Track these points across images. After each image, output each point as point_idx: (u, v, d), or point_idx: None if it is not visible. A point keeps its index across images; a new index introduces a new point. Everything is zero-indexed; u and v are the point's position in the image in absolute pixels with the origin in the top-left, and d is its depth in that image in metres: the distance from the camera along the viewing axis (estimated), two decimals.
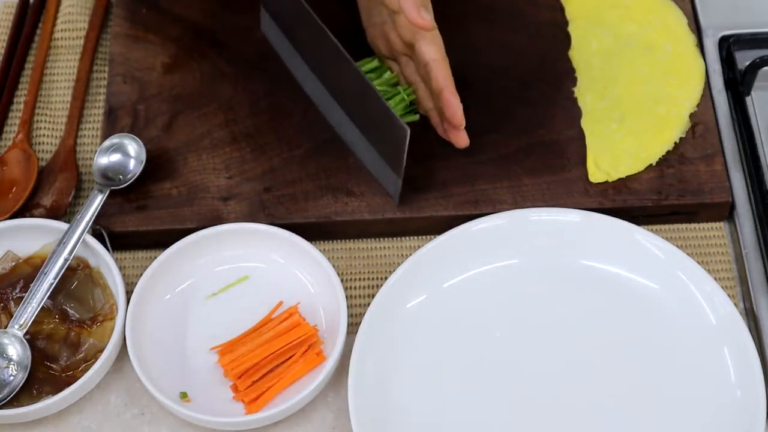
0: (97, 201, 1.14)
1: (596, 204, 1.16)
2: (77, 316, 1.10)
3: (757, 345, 1.08)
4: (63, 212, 1.18)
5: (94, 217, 1.13)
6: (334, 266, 1.11)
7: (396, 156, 1.10)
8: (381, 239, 1.18)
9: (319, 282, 1.12)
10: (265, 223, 1.14)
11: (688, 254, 1.11)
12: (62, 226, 1.13)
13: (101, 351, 1.07)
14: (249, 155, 1.20)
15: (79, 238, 1.11)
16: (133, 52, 1.27)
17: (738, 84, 1.23)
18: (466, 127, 1.20)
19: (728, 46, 1.25)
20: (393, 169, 1.12)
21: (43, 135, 1.25)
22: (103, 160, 1.18)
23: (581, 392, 1.07)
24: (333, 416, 1.08)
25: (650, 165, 1.18)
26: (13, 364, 1.07)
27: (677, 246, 1.12)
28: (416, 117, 1.20)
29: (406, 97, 1.19)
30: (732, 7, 1.30)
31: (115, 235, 1.15)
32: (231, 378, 1.08)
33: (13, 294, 1.11)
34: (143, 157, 1.18)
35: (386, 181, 1.15)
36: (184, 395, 1.07)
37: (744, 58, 1.23)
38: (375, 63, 1.21)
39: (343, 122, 1.17)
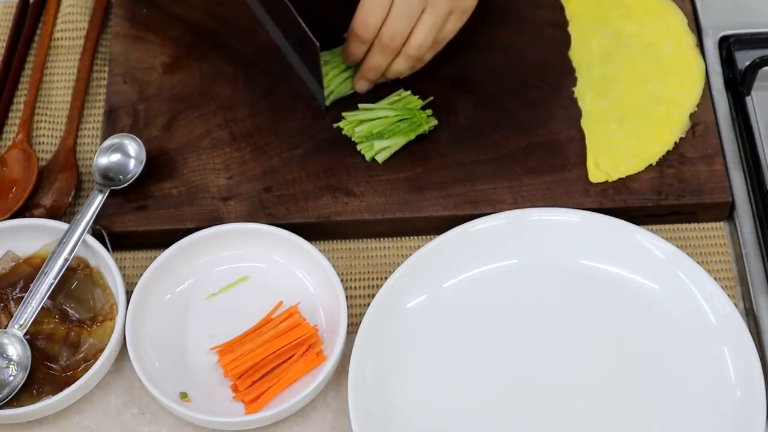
0: (97, 201, 1.14)
1: (596, 204, 1.16)
2: (77, 316, 1.10)
3: (757, 345, 1.08)
4: (63, 212, 1.18)
5: (94, 217, 1.13)
6: (334, 266, 1.11)
7: (315, 67, 1.18)
8: (381, 239, 1.18)
9: (319, 282, 1.12)
10: (265, 223, 1.14)
11: (688, 254, 1.11)
12: (62, 226, 1.13)
13: (101, 351, 1.07)
14: (249, 155, 1.20)
15: (79, 238, 1.11)
16: (133, 52, 1.27)
17: (738, 84, 1.23)
18: (468, 126, 1.20)
19: (728, 46, 1.25)
20: (315, 78, 1.20)
21: (43, 135, 1.25)
22: (103, 160, 1.18)
23: (581, 392, 1.07)
24: (333, 416, 1.08)
25: (650, 165, 1.18)
26: (13, 364, 1.07)
27: (677, 246, 1.12)
28: (435, 122, 1.20)
29: (418, 116, 1.19)
30: (732, 7, 1.29)
31: (115, 235, 1.15)
32: (231, 378, 1.08)
33: (13, 294, 1.11)
34: (143, 157, 1.18)
35: (315, 90, 1.22)
36: (184, 395, 1.07)
37: (744, 58, 1.23)
38: None
39: (278, 37, 1.26)
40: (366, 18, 1.11)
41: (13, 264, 1.13)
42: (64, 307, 1.11)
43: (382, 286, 1.10)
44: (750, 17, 1.29)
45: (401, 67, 1.17)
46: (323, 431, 1.08)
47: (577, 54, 1.26)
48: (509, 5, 1.29)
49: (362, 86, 1.21)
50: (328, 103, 1.22)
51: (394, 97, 1.21)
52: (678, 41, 1.25)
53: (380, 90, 1.22)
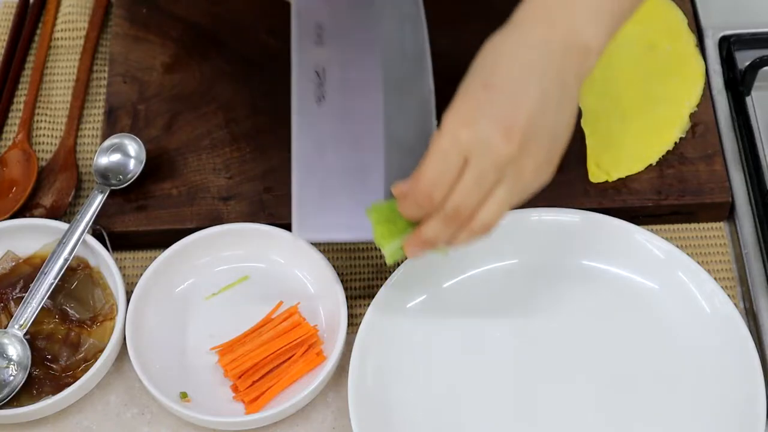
0: (97, 201, 1.14)
1: (596, 204, 1.16)
2: (77, 316, 1.10)
3: (757, 345, 1.08)
4: (63, 212, 1.18)
5: (94, 217, 1.13)
6: (334, 266, 1.11)
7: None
8: None
9: (319, 282, 1.12)
10: (265, 223, 1.14)
11: (688, 254, 1.11)
12: (62, 226, 1.13)
13: (101, 351, 1.07)
14: (249, 155, 1.20)
15: (79, 238, 1.11)
16: (133, 52, 1.27)
17: (738, 84, 1.23)
18: None
19: (728, 46, 1.25)
20: None
21: (43, 135, 1.25)
22: (103, 160, 1.18)
23: (581, 392, 1.07)
24: (333, 416, 1.08)
25: (650, 165, 1.18)
26: (13, 364, 1.07)
27: (677, 246, 1.12)
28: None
29: None
30: (732, 7, 1.29)
31: (115, 235, 1.15)
32: (231, 378, 1.08)
33: (13, 294, 1.11)
34: (143, 157, 1.18)
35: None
36: (184, 395, 1.07)
37: (744, 58, 1.23)
38: None
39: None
40: (430, 188, 0.91)
41: (13, 264, 1.13)
42: (64, 307, 1.11)
43: (382, 286, 1.10)
44: (750, 17, 1.29)
45: (462, 240, 0.95)
46: (323, 431, 1.08)
47: None
48: (509, 5, 1.29)
49: (413, 253, 0.97)
50: (390, 261, 1.00)
51: None
52: (678, 41, 1.25)
53: None
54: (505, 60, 0.91)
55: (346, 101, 1.00)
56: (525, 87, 0.89)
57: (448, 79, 1.23)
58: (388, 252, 0.97)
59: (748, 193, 1.17)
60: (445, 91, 1.22)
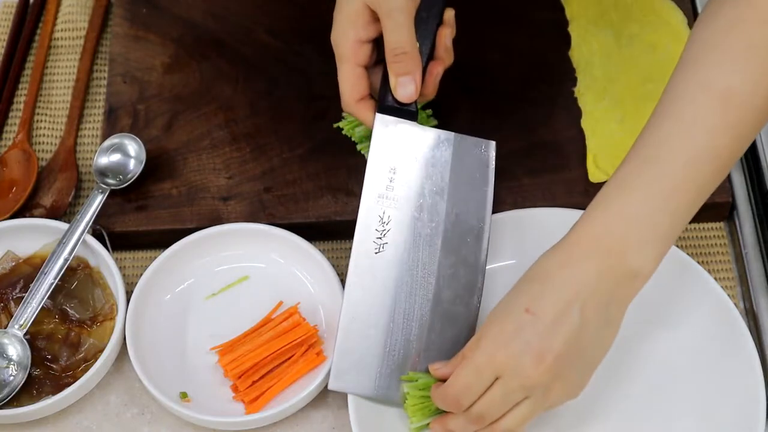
0: (97, 201, 1.14)
1: None
2: (77, 316, 1.10)
3: (757, 345, 1.07)
4: (63, 212, 1.18)
5: (94, 217, 1.13)
6: (334, 266, 1.11)
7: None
8: None
9: (319, 282, 1.12)
10: (265, 223, 1.14)
11: (688, 254, 1.11)
12: (62, 226, 1.13)
13: (101, 351, 1.07)
14: (249, 155, 1.20)
15: (79, 238, 1.11)
16: (133, 52, 1.27)
17: None
18: (468, 126, 1.20)
19: None
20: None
21: (43, 135, 1.25)
22: (103, 160, 1.18)
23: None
24: (333, 416, 1.08)
25: None
26: (13, 364, 1.07)
27: (677, 246, 1.12)
28: (435, 122, 1.20)
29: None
30: None
31: (115, 235, 1.15)
32: (231, 378, 1.08)
33: (13, 294, 1.11)
34: (143, 157, 1.18)
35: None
36: (184, 395, 1.07)
37: None
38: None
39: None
40: (459, 395, 0.97)
41: (13, 264, 1.13)
42: (64, 307, 1.11)
43: None
44: None
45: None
46: (323, 431, 1.08)
47: (577, 54, 1.26)
48: (509, 5, 1.29)
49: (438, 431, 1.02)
50: (416, 431, 1.04)
51: None
52: (678, 41, 1.25)
53: None
54: (552, 288, 0.94)
55: (404, 257, 1.04)
56: (566, 317, 0.93)
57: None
58: (415, 426, 1.02)
59: (748, 193, 1.17)
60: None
